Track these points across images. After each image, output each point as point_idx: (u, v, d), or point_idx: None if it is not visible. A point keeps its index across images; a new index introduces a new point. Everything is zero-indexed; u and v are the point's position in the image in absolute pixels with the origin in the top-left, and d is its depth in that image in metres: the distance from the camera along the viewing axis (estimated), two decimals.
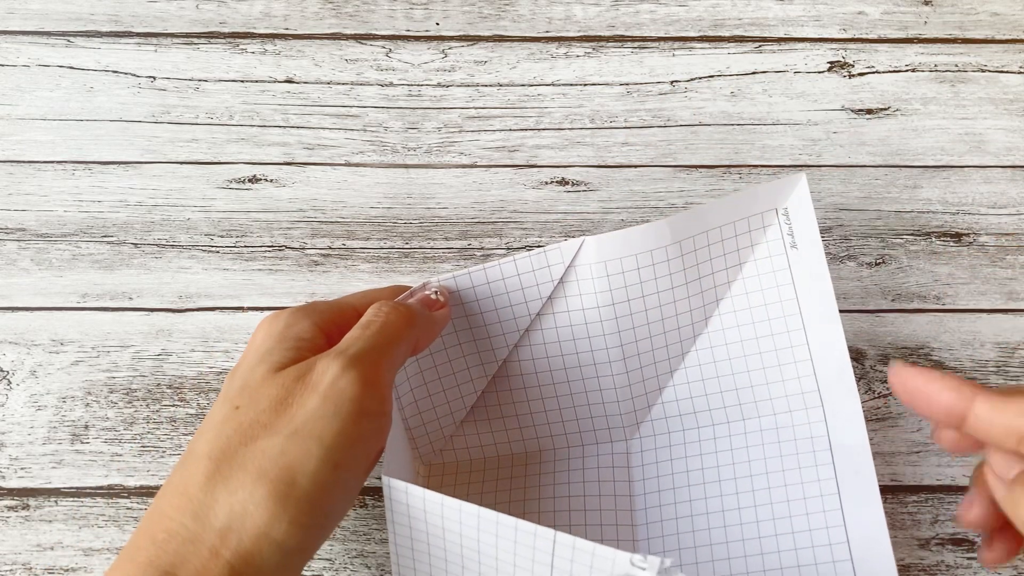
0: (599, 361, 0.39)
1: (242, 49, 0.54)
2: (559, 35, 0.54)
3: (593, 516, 0.39)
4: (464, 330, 0.39)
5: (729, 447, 0.39)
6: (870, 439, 0.44)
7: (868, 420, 0.44)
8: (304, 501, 0.28)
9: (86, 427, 0.44)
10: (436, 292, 0.37)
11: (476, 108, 0.52)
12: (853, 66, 0.53)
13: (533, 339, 0.39)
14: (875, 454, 0.44)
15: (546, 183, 0.50)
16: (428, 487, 0.41)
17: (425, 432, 0.41)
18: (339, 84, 0.53)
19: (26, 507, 0.42)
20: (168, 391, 0.45)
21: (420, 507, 0.31)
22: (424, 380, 0.39)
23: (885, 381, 0.46)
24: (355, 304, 0.36)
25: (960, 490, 0.43)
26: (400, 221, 0.49)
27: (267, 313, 0.36)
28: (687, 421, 0.41)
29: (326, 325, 0.34)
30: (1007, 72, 0.53)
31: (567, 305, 0.38)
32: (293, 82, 0.53)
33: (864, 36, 0.54)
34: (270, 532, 0.27)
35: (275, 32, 0.54)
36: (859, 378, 0.46)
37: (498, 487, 0.41)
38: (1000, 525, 0.32)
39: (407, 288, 0.38)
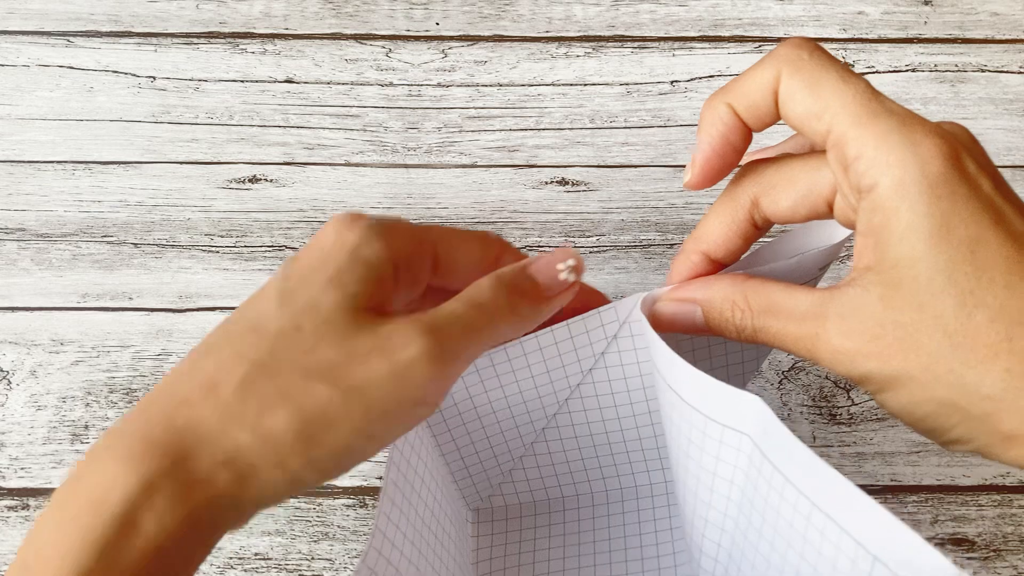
0: (652, 410, 0.38)
1: (242, 49, 0.54)
2: (559, 35, 0.54)
3: (634, 563, 0.39)
4: (515, 395, 0.37)
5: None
6: (870, 439, 0.44)
7: (868, 420, 0.45)
8: (323, 455, 0.27)
9: (86, 427, 0.44)
10: (570, 268, 0.30)
11: (476, 108, 0.52)
12: (853, 66, 0.53)
13: (584, 392, 0.38)
14: (875, 454, 0.44)
15: (546, 183, 0.50)
16: (478, 535, 0.41)
17: (472, 483, 0.40)
18: (339, 84, 0.53)
19: (26, 507, 0.42)
20: None
21: None
22: (471, 439, 0.38)
23: None
24: (435, 240, 0.31)
25: (960, 490, 0.43)
26: None
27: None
28: None
29: (399, 255, 0.29)
30: (1007, 72, 0.53)
31: (620, 359, 0.36)
32: (293, 82, 0.53)
33: (864, 36, 0.54)
34: (282, 463, 0.26)
35: (275, 32, 0.54)
36: None
37: (537, 535, 0.41)
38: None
39: (506, 248, 0.32)
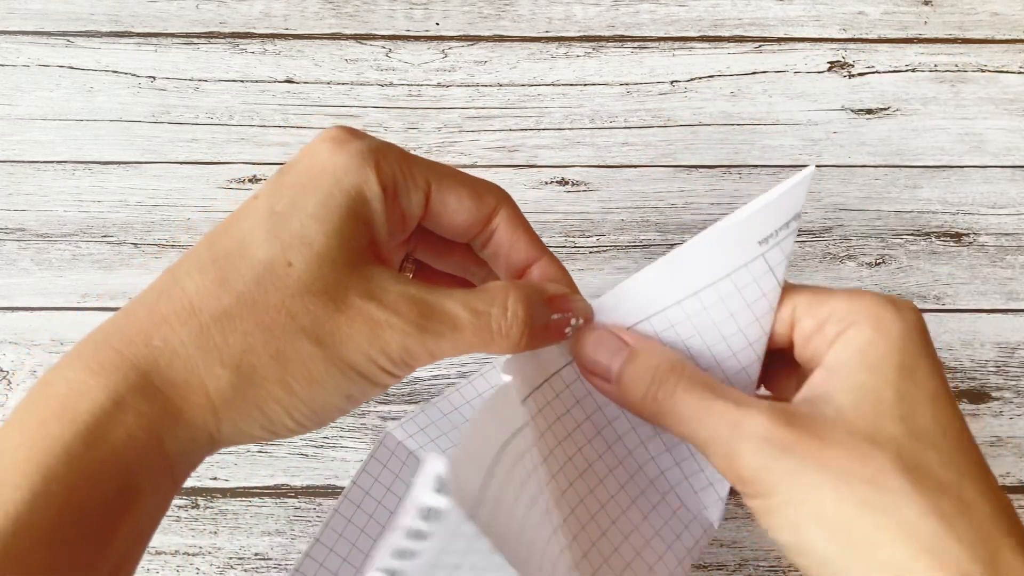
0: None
1: (242, 49, 0.54)
2: (559, 35, 0.54)
3: None
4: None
5: None
6: None
7: None
8: (302, 407, 0.27)
9: None
10: (575, 328, 0.30)
11: (476, 108, 0.52)
12: (853, 66, 0.53)
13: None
14: None
15: (546, 183, 0.50)
16: None
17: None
18: (339, 84, 0.53)
19: None
20: None
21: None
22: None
23: None
24: (429, 176, 0.28)
25: None
26: None
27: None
28: None
29: (388, 186, 0.27)
30: (1007, 72, 0.53)
31: None
32: (293, 82, 0.53)
33: (864, 36, 0.54)
34: (260, 405, 0.26)
35: (275, 32, 0.54)
36: None
37: None
38: None
39: (503, 203, 0.30)
